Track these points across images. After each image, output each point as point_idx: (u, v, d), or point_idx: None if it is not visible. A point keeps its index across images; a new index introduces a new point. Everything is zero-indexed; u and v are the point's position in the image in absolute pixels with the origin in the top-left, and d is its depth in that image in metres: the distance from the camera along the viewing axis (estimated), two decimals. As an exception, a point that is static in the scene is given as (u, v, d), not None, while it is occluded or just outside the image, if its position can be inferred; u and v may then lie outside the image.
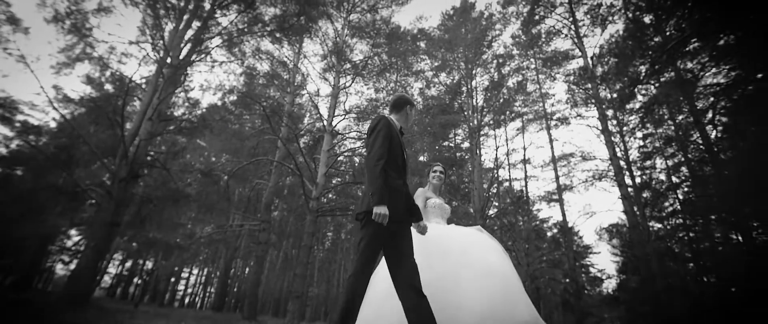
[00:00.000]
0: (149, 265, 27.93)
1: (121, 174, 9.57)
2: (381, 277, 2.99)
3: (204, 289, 33.76)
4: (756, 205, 15.49)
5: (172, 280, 28.60)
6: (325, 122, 13.31)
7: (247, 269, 26.31)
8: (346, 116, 14.54)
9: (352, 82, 14.93)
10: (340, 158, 15.26)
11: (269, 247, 16.42)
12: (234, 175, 13.80)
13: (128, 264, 30.50)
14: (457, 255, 2.81)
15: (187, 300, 34.93)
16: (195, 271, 35.02)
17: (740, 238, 14.48)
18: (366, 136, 2.85)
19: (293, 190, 18.68)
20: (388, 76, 17.26)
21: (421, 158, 20.86)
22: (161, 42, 10.72)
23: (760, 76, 10.20)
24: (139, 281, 29.34)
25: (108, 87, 14.86)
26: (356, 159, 18.01)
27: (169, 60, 10.74)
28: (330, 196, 18.41)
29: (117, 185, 9.48)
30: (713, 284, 17.55)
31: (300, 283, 12.04)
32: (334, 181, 17.59)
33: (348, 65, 15.00)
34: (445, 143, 21.52)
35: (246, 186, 16.09)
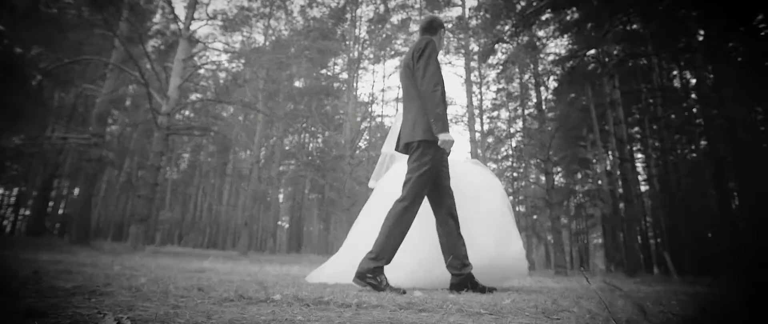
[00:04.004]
0: None
1: None
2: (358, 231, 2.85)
3: (15, 212, 27.68)
4: (559, 155, 19.69)
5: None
6: (181, 25, 11.22)
7: (77, 190, 22.32)
8: (210, 22, 12.49)
9: (220, -18, 12.67)
10: (201, 72, 13.35)
11: (105, 165, 13.99)
12: (50, 74, 10.87)
13: None
14: (464, 191, 2.68)
15: (-12, 223, 28.27)
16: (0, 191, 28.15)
17: (544, 179, 18.43)
18: (412, 59, 2.45)
19: (138, 102, 15.82)
20: (265, -16, 15.23)
21: (297, 84, 19.87)
22: None
23: (586, 52, 12.27)
24: None
25: None
26: (221, 75, 16.07)
27: None
28: (186, 113, 16.26)
29: None
30: (523, 213, 22.60)
31: (145, 205, 10.77)
32: (192, 97, 15.52)
33: (215, -40, 12.55)
34: (323, 71, 20.80)
35: (69, 90, 12.89)
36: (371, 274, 2.16)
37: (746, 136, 7.41)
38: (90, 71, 13.29)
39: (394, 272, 2.34)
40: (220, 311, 1.23)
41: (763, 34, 10.88)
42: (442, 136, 2.24)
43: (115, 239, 21.11)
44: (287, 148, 21.77)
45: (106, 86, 11.52)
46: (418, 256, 2.49)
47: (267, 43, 15.03)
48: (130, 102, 16.55)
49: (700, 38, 10.68)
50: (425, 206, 2.48)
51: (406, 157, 2.62)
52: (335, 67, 21.42)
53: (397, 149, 2.61)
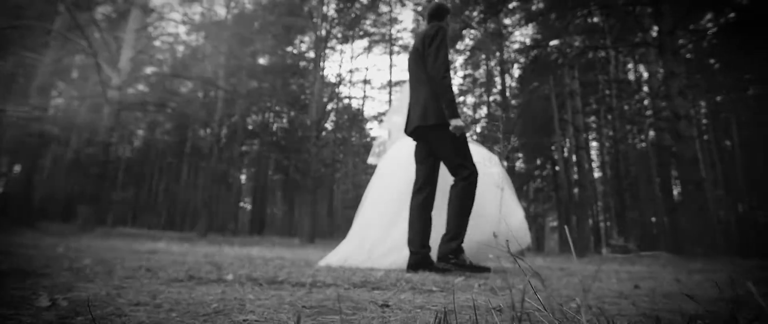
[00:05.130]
0: None
1: None
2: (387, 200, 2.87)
3: (-57, 189, 25.28)
4: (523, 142, 20.39)
5: None
6: (135, -8, 10.45)
7: (17, 167, 20.66)
8: (167, -9, 11.69)
9: (178, -53, 11.84)
10: (157, 44, 12.53)
11: (49, 141, 12.95)
12: (-17, 39, 9.83)
13: None
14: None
15: None
16: (-77, 165, 25.60)
17: (507, 163, 19.16)
18: (422, 45, 2.53)
19: (86, 74, 14.65)
20: (227, -47, 14.39)
21: (261, 61, 19.17)
22: None
23: (549, 42, 12.64)
24: None
25: None
26: (179, 48, 15.19)
27: None
28: (140, 87, 15.28)
29: None
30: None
31: (95, 185, 10.18)
32: (148, 71, 14.62)
33: (172, -77, 11.69)
34: (289, 49, 20.19)
35: (7, 58, 11.70)
36: (452, 254, 2.25)
37: (688, 129, 7.98)
38: (31, 38, 12.11)
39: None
40: (166, 291, 1.19)
41: (709, 33, 11.63)
42: (453, 122, 2.33)
43: (62, 220, 19.83)
44: (250, 127, 21.13)
45: (49, 55, 10.61)
46: (434, 234, 2.56)
47: (229, 17, 14.30)
48: (77, 73, 15.30)
49: (654, 34, 11.26)
50: (441, 187, 2.58)
51: (404, 135, 2.73)
52: (302, 45, 20.86)
53: (406, 131, 2.63)
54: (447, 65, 2.42)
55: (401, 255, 2.45)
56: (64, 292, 1.11)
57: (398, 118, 3.20)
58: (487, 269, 2.23)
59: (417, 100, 2.52)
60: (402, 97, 3.08)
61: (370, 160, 3.38)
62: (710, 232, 7.60)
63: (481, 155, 3.08)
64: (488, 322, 0.80)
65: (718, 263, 5.54)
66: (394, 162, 3.05)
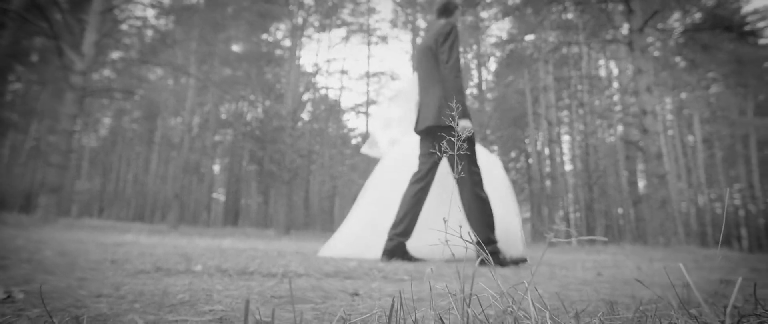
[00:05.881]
0: None
1: None
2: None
3: None
4: (500, 133, 20.75)
5: None
6: (99, -28, 9.89)
7: (-29, 154, 19.40)
8: (134, -28, 11.14)
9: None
10: (124, 27, 11.95)
11: (7, 127, 12.16)
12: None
13: None
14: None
15: None
16: None
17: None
18: (436, 42, 2.52)
19: (48, 57, 13.81)
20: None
21: (235, 48, 18.65)
22: None
23: (525, 37, 12.84)
24: None
25: None
26: (148, 33, 14.54)
27: None
28: (106, 73, 14.56)
29: None
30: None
31: (57, 174, 9.69)
32: (114, 56, 13.96)
33: None
34: (264, 36, 19.70)
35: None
36: (494, 254, 2.34)
37: (653, 124, 8.34)
38: (-18, 17, 11.30)
39: (417, 242, 2.50)
40: (131, 283, 1.16)
41: (676, 32, 12.11)
42: (462, 123, 2.36)
43: (22, 211, 18.84)
44: (223, 116, 20.59)
45: (6, 37, 9.95)
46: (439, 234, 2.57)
47: (201, 0, 13.78)
48: (36, 57, 14.40)
49: (625, 32, 11.63)
50: (444, 183, 2.64)
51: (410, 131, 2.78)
52: (277, 32, 20.38)
53: (417, 129, 2.63)
54: (459, 65, 2.44)
55: (417, 245, 2.53)
56: (21, 284, 1.06)
57: (404, 112, 3.18)
58: (523, 260, 2.40)
59: (429, 99, 2.53)
60: (407, 91, 3.09)
61: (363, 150, 3.40)
62: (672, 223, 8.01)
63: (484, 156, 3.09)
64: (446, 303, 0.82)
65: (678, 252, 5.85)
66: (401, 154, 3.06)
